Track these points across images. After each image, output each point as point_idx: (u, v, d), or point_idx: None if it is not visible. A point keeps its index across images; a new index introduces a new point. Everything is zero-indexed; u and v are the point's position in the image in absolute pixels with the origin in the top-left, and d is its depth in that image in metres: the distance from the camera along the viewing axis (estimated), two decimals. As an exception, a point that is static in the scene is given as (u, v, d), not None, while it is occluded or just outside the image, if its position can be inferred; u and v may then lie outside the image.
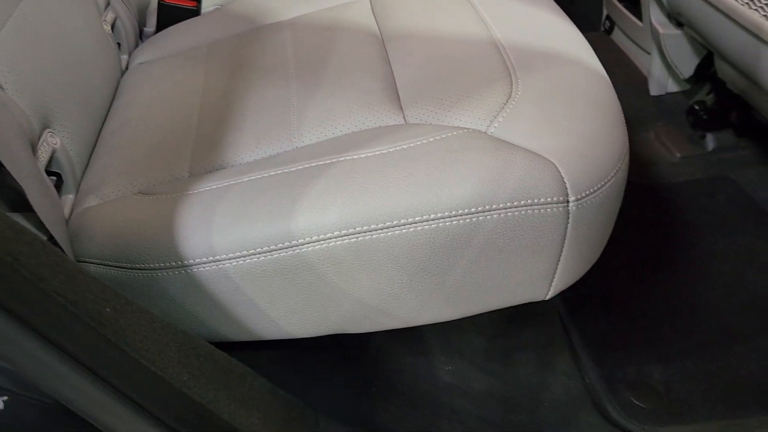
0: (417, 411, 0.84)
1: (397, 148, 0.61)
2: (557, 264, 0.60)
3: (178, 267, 0.60)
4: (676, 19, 1.15)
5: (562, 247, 0.59)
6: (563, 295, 1.01)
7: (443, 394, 0.86)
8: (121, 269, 0.62)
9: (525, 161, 0.57)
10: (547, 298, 0.63)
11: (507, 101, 0.65)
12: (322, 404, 0.81)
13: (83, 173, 0.77)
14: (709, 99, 1.24)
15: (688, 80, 1.29)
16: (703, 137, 1.26)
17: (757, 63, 0.90)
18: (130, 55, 1.04)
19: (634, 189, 1.22)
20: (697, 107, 1.24)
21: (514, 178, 0.56)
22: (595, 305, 1.00)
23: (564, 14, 0.81)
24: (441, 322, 0.66)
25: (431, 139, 0.61)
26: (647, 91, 1.36)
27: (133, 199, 0.66)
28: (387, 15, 0.92)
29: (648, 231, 1.13)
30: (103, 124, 0.86)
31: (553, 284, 0.62)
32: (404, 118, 0.70)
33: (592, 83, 0.68)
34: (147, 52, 1.03)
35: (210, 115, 0.79)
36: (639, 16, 1.32)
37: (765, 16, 0.85)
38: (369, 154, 0.61)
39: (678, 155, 1.25)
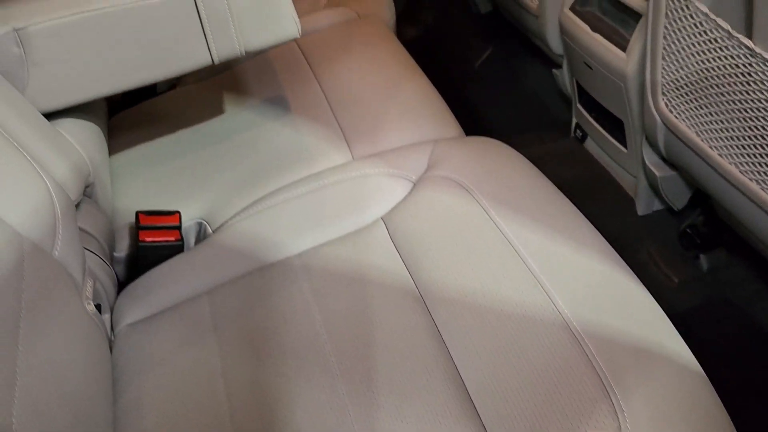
0: None
1: None
2: None
3: None
4: (672, 163, 1.13)
5: None
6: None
7: None
8: None
9: None
10: None
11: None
12: None
13: None
14: (700, 221, 1.24)
15: (678, 203, 1.29)
16: (697, 257, 1.26)
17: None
18: (112, 311, 0.90)
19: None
20: (689, 231, 1.24)
21: None
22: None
23: (620, 259, 0.75)
24: None
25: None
26: (632, 208, 1.34)
27: None
28: (413, 252, 0.84)
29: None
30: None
31: None
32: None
33: (695, 392, 0.63)
34: (133, 308, 0.90)
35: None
36: (616, 137, 1.29)
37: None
38: None
39: (676, 280, 1.25)
